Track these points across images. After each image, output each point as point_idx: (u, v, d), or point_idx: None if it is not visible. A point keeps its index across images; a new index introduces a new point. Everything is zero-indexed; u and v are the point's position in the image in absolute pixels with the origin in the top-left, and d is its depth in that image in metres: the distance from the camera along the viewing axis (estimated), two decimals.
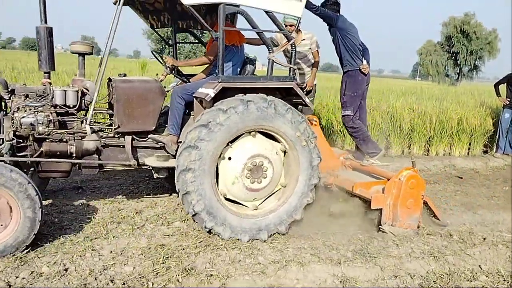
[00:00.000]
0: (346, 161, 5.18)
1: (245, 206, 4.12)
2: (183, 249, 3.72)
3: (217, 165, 3.92)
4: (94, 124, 4.31)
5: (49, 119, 4.00)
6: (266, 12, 3.96)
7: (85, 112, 4.38)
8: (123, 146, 4.24)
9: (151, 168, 4.25)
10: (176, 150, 4.11)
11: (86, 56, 4.46)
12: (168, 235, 4.00)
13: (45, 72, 4.25)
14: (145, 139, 4.31)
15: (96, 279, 3.16)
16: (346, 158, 5.22)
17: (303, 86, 6.00)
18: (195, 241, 3.87)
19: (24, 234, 3.37)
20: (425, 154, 8.89)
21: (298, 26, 4.75)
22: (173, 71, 4.73)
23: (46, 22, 4.12)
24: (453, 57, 58.13)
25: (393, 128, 8.46)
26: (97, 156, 4.22)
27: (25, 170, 3.91)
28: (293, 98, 4.30)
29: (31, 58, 22.28)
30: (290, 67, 4.25)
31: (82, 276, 3.18)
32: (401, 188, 4.30)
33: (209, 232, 3.90)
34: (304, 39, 5.90)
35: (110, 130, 4.27)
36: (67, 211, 4.47)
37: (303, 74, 6.09)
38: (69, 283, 3.09)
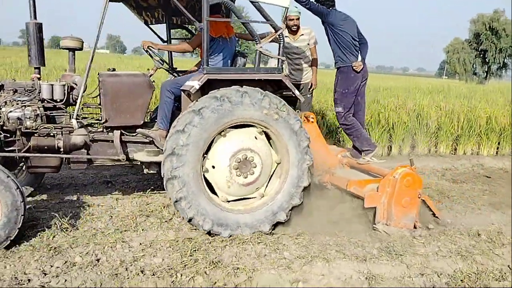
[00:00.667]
0: (343, 159, 5.07)
1: (252, 198, 4.12)
2: (210, 242, 3.79)
3: (206, 178, 3.94)
4: (83, 118, 4.31)
5: (36, 114, 4.00)
6: (252, 2, 3.90)
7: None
8: (112, 141, 4.22)
9: (140, 163, 4.24)
10: None
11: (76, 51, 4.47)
12: (195, 229, 4.07)
13: (35, 68, 4.29)
14: (134, 134, 4.29)
15: (127, 270, 3.25)
16: (343, 156, 5.12)
17: (300, 83, 5.93)
18: None
19: (8, 200, 3.33)
20: (452, 153, 8.74)
21: (285, 15, 4.46)
22: (164, 65, 4.68)
23: (35, 18, 4.15)
24: (481, 55, 56.75)
25: (419, 127, 8.35)
26: (85, 151, 4.20)
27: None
28: (284, 91, 4.21)
29: (60, 56, 22.86)
30: (278, 59, 4.13)
31: (114, 267, 3.29)
32: (396, 186, 4.19)
33: (230, 236, 3.92)
34: (302, 34, 5.84)
35: (100, 124, 4.27)
36: (97, 205, 4.61)
37: (300, 70, 5.97)
38: (101, 273, 3.20)
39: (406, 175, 4.21)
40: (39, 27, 4.18)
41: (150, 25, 5.28)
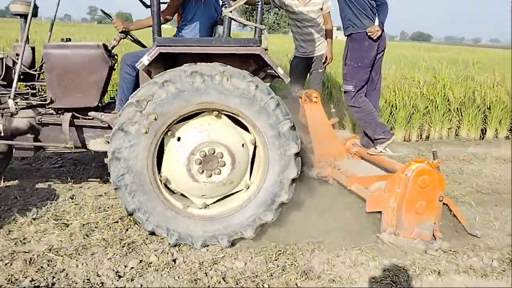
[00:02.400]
0: (353, 147, 4.23)
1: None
2: (295, 243, 3.34)
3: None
4: (30, 98, 3.72)
5: None
6: None
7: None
8: None
9: (99, 152, 3.68)
10: None
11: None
12: (276, 226, 3.60)
13: None
14: (92, 117, 3.66)
15: (206, 275, 2.89)
16: (353, 144, 4.27)
17: (312, 56, 5.08)
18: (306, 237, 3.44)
19: None
20: None
21: None
22: (128, 36, 3.92)
23: None
24: None
25: None
26: (32, 136, 3.66)
27: None
28: (268, 68, 3.35)
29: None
30: (256, 27, 3.25)
31: (192, 270, 2.93)
32: (408, 186, 3.33)
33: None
34: None
35: (47, 105, 3.69)
36: None
37: (312, 40, 5.04)
38: (179, 277, 2.85)
39: (422, 173, 3.32)
40: None
41: None
